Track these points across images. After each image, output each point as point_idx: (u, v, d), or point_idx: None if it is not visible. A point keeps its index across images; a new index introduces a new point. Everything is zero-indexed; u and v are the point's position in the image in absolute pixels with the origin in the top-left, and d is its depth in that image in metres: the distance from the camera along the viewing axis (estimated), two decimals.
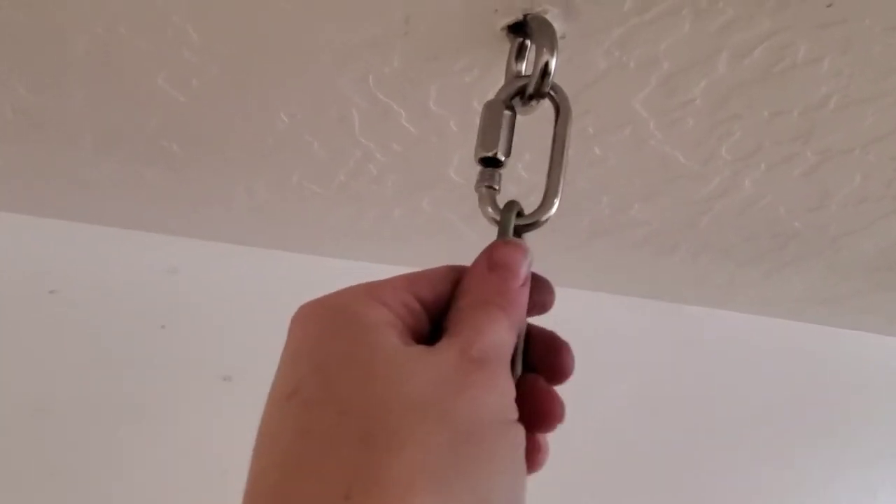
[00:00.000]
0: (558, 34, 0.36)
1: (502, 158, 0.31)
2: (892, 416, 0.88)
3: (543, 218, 0.30)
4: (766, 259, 0.67)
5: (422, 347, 0.23)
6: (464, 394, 0.21)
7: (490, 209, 0.30)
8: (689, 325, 0.82)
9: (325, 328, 0.23)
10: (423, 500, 0.19)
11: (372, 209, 0.57)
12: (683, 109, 0.42)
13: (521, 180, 0.51)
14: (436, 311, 0.26)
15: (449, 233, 0.62)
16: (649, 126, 0.44)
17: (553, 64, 0.32)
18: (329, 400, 0.21)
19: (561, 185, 0.30)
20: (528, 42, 0.35)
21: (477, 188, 0.31)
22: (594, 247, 0.65)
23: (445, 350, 0.23)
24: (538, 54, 0.33)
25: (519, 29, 0.35)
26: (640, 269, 0.71)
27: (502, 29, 0.36)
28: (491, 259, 0.27)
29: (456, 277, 0.27)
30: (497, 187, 0.31)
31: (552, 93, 0.33)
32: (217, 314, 0.59)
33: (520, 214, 0.29)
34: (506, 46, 0.36)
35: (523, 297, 0.26)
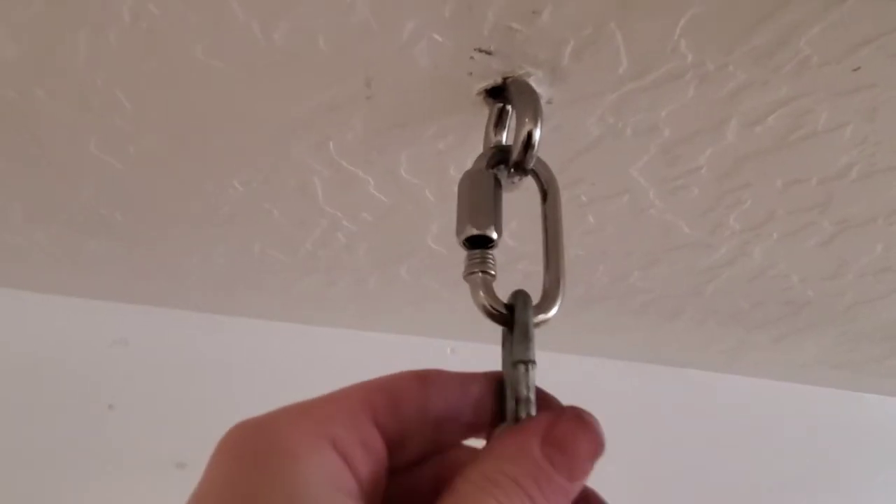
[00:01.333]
0: (543, 99, 0.31)
1: (494, 237, 0.26)
2: None
3: (543, 318, 0.25)
4: (777, 325, 0.62)
5: None
6: None
7: (491, 302, 0.24)
8: (694, 390, 0.76)
9: (243, 471, 0.18)
10: None
11: (344, 277, 0.52)
12: (687, 178, 0.37)
13: (506, 248, 0.46)
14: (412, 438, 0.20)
15: (433, 301, 0.57)
16: (649, 195, 0.39)
17: (537, 134, 0.28)
18: None
19: (563, 279, 0.25)
20: (508, 108, 0.31)
21: (467, 276, 0.25)
22: (591, 313, 0.59)
23: None
24: (519, 123, 0.28)
25: (498, 93, 0.30)
26: (642, 334, 0.65)
27: (479, 94, 0.31)
28: (551, 435, 0.18)
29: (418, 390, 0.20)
30: (493, 273, 0.25)
31: (535, 171, 0.28)
32: (172, 390, 0.53)
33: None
34: (484, 112, 0.31)
35: (570, 496, 0.18)
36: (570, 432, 0.18)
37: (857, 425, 0.81)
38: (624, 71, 0.29)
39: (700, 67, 0.29)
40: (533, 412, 0.24)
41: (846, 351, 0.68)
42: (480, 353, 0.69)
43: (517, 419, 0.24)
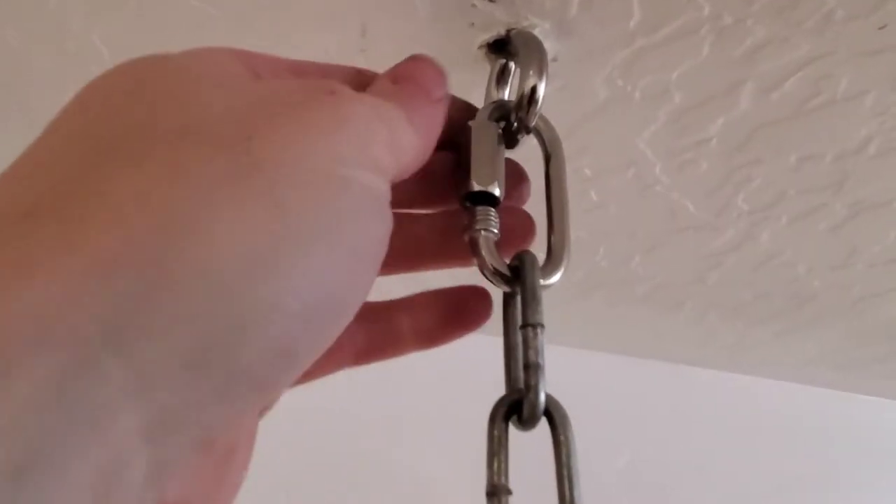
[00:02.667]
0: (549, 56, 0.29)
1: (498, 194, 0.24)
2: None
3: (547, 283, 0.24)
4: (779, 319, 0.60)
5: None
6: (286, 116, 0.15)
7: (496, 262, 0.23)
8: (691, 388, 0.74)
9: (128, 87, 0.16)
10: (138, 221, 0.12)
11: None
12: (696, 151, 0.36)
13: None
14: None
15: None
16: (655, 169, 0.37)
17: (541, 89, 0.26)
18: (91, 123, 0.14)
19: (568, 243, 0.24)
20: (511, 64, 0.29)
21: (469, 233, 0.23)
22: (589, 302, 0.57)
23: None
24: (523, 77, 0.26)
25: (501, 48, 0.29)
26: (641, 328, 0.64)
27: (480, 47, 0.29)
28: (395, 72, 0.20)
29: (355, 81, 0.20)
30: (496, 231, 0.23)
31: (540, 128, 0.26)
32: None
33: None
34: (485, 69, 0.30)
35: (437, 112, 0.20)
36: (412, 65, 0.21)
37: (857, 428, 0.80)
38: (636, 24, 0.27)
39: (717, 21, 0.27)
40: (543, 379, 0.22)
41: (849, 349, 0.67)
42: (474, 342, 0.68)
43: (528, 388, 0.22)
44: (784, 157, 0.36)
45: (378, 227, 0.16)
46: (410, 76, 0.20)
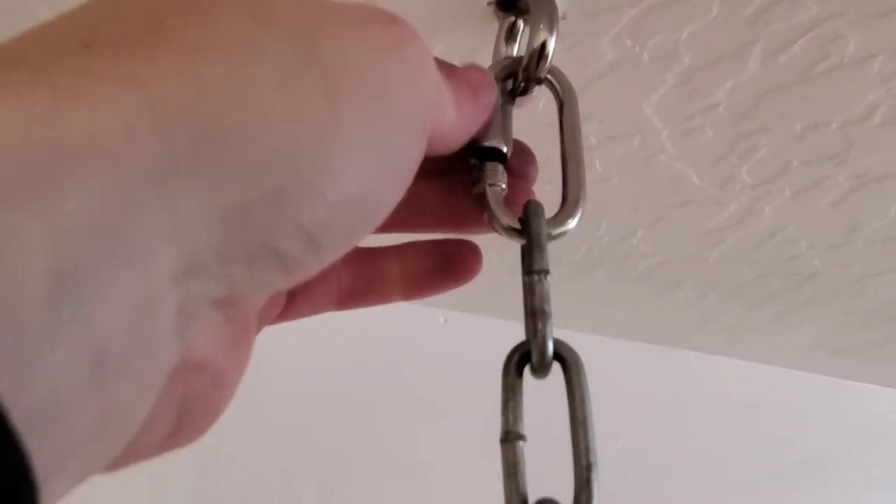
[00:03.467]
0: (559, 12, 0.29)
1: (505, 150, 0.24)
2: None
3: (561, 230, 0.24)
4: (778, 300, 0.60)
5: None
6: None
7: (505, 215, 0.23)
8: (688, 373, 0.74)
9: None
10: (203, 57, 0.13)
11: None
12: (703, 117, 0.36)
13: None
14: None
15: None
16: (661, 137, 0.37)
17: (552, 44, 0.26)
18: None
19: (583, 188, 0.24)
20: (520, 22, 0.29)
21: (477, 188, 0.24)
22: (588, 281, 0.57)
23: None
24: (534, 32, 0.26)
25: (510, 4, 0.29)
26: (639, 309, 0.64)
27: (489, 4, 0.29)
28: (449, 69, 0.21)
29: None
30: (504, 186, 0.24)
31: (550, 77, 0.26)
32: None
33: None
34: (493, 27, 0.29)
35: (477, 112, 0.21)
36: (468, 70, 0.21)
37: (852, 416, 0.80)
38: None
39: None
40: (551, 327, 0.22)
41: (846, 333, 0.67)
42: (474, 323, 0.67)
43: (535, 333, 0.22)
44: (790, 124, 0.36)
45: (414, 147, 0.17)
46: (464, 76, 0.21)
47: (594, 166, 0.41)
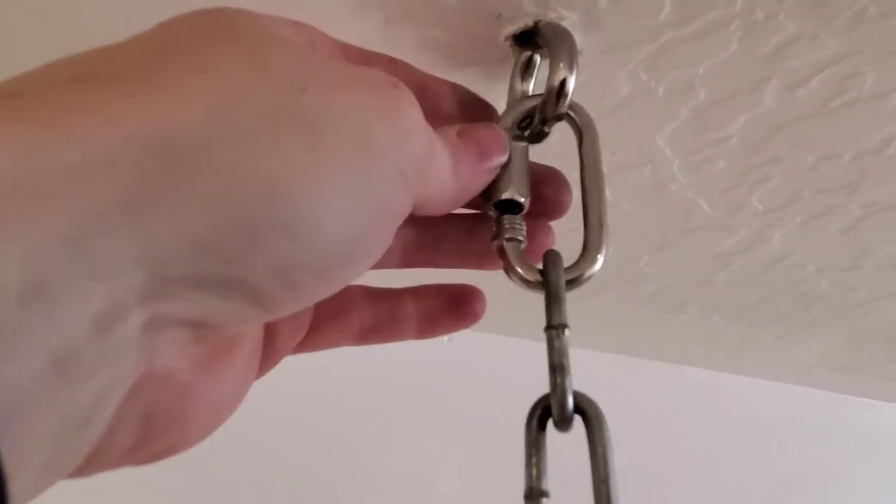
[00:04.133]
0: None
1: (522, 201, 0.24)
2: None
3: (589, 272, 0.24)
4: (783, 321, 0.60)
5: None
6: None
7: (524, 269, 0.23)
8: (691, 390, 0.74)
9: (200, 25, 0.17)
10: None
11: None
12: (715, 149, 0.35)
13: None
14: None
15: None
16: (672, 167, 0.37)
17: (572, 82, 0.25)
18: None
19: (606, 224, 0.24)
20: (537, 57, 0.28)
21: (496, 242, 0.24)
22: (594, 302, 0.57)
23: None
24: (553, 70, 0.26)
25: (527, 40, 0.28)
26: (644, 329, 0.63)
27: (506, 39, 0.29)
28: (464, 128, 0.22)
29: (389, 70, 0.21)
30: (522, 239, 0.24)
31: (570, 113, 0.26)
32: None
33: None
34: (510, 62, 0.29)
35: (482, 174, 0.22)
36: (480, 128, 0.22)
37: (856, 431, 0.80)
38: (665, 17, 0.27)
39: (749, 16, 0.27)
40: (570, 381, 0.22)
41: (850, 351, 0.67)
42: (478, 341, 0.67)
43: (555, 389, 0.22)
44: (803, 156, 0.36)
45: (397, 205, 0.17)
46: (474, 136, 0.22)
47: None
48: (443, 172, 0.20)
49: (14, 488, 0.11)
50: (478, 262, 0.26)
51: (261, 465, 0.56)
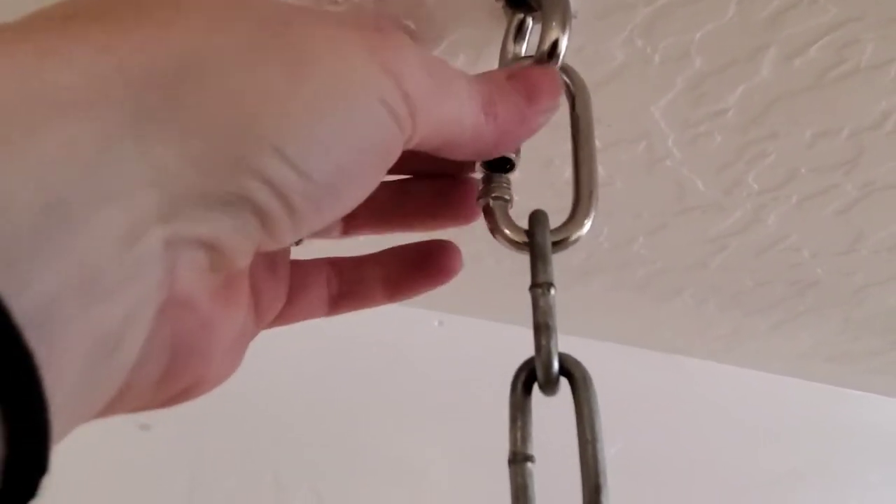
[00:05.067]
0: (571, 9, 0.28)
1: (513, 157, 0.23)
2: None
3: (576, 235, 0.23)
4: (777, 308, 0.59)
5: None
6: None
7: (509, 228, 0.23)
8: (685, 379, 0.74)
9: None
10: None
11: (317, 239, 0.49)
12: (712, 122, 0.35)
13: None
14: None
15: None
16: (668, 142, 0.36)
17: (564, 43, 0.25)
18: None
19: (595, 188, 0.23)
20: (529, 20, 0.28)
21: (481, 200, 0.24)
22: (588, 288, 0.56)
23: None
24: (545, 31, 0.25)
25: (520, 2, 0.28)
26: (637, 315, 0.63)
27: (498, 0, 0.28)
28: (515, 71, 0.22)
29: None
30: (509, 198, 0.24)
31: (563, 76, 0.25)
32: None
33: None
34: (502, 24, 0.28)
35: (527, 117, 0.21)
36: (532, 70, 0.22)
37: (848, 423, 0.80)
38: None
39: None
40: (555, 341, 0.22)
41: (845, 341, 0.66)
42: (469, 326, 0.66)
43: (538, 349, 0.21)
44: (800, 131, 0.35)
45: (383, 139, 0.17)
46: (525, 77, 0.22)
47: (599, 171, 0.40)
48: (464, 112, 0.19)
49: (52, 405, 0.11)
50: (457, 218, 0.26)
51: (249, 450, 0.55)
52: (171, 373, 0.16)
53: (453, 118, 0.19)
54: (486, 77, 0.21)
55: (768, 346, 0.69)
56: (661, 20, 0.28)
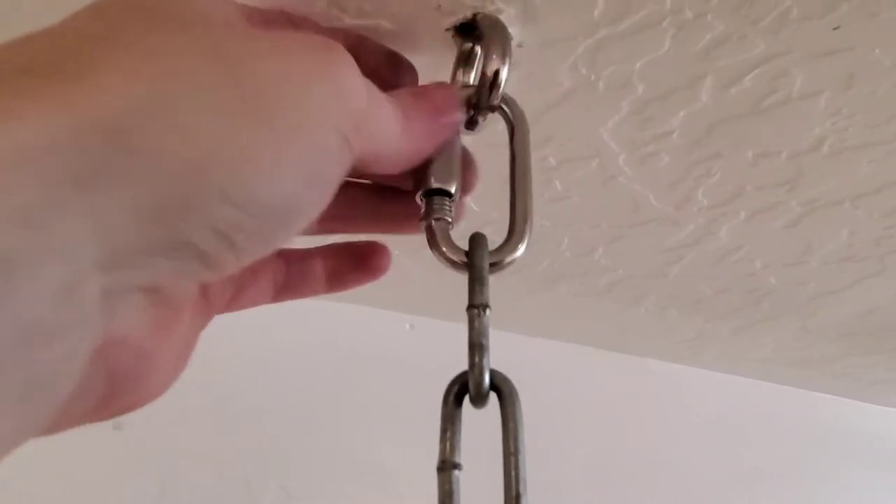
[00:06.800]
0: (515, 41, 0.30)
1: (452, 190, 0.25)
2: (858, 484, 0.83)
3: (510, 258, 0.24)
4: (737, 315, 0.61)
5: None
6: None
7: (449, 248, 0.24)
8: (651, 381, 0.76)
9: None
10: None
11: (295, 242, 0.50)
12: (658, 143, 0.36)
13: (471, 213, 0.45)
14: None
15: (392, 270, 0.55)
16: (618, 160, 0.38)
17: (504, 72, 0.26)
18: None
19: (530, 215, 0.24)
20: (477, 48, 0.29)
21: (424, 222, 0.25)
22: (553, 293, 0.58)
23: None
24: (487, 61, 0.26)
25: (468, 31, 0.29)
26: (602, 319, 0.65)
27: (448, 30, 0.29)
28: (418, 88, 0.23)
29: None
30: (450, 220, 0.25)
31: (503, 106, 0.27)
32: None
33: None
34: (452, 52, 0.30)
35: (437, 130, 0.23)
36: (434, 88, 0.24)
37: (810, 424, 0.82)
38: (599, 14, 0.28)
39: (678, 14, 0.28)
40: (487, 359, 0.23)
41: (803, 347, 0.69)
42: (439, 329, 0.68)
43: (472, 367, 0.23)
44: (742, 152, 0.37)
45: (336, 163, 0.18)
46: (427, 94, 0.23)
47: (554, 185, 0.41)
48: (391, 129, 0.21)
49: None
50: (395, 226, 0.28)
51: (220, 449, 0.57)
52: (108, 399, 0.17)
53: (384, 136, 0.21)
54: (396, 95, 0.22)
55: (732, 350, 0.71)
56: (602, 51, 0.30)
